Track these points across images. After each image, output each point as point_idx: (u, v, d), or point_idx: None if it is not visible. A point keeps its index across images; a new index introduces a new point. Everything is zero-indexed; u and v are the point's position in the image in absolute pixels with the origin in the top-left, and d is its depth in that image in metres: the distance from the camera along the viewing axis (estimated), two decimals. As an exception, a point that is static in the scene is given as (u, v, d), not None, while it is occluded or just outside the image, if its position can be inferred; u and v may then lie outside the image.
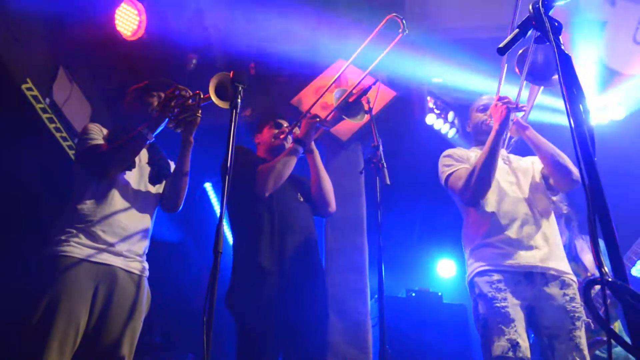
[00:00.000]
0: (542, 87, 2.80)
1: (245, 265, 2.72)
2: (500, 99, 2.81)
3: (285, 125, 3.17)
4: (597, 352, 3.42)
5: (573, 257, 3.67)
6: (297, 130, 3.07)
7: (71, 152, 4.46)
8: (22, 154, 4.14)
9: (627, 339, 0.99)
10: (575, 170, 2.76)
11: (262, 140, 3.20)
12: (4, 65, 3.72)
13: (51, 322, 2.15)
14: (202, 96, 2.54)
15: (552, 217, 2.85)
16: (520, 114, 2.89)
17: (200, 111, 2.59)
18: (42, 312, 2.17)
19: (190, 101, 2.57)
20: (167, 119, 2.55)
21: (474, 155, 2.93)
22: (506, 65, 2.80)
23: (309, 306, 2.70)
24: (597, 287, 3.21)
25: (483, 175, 2.70)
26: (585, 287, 1.04)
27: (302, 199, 3.00)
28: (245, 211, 2.85)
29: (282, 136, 3.09)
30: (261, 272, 2.65)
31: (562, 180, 2.80)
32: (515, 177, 2.90)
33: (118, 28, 4.05)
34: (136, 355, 2.49)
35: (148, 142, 2.53)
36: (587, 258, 3.70)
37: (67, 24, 4.15)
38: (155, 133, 2.53)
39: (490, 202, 2.78)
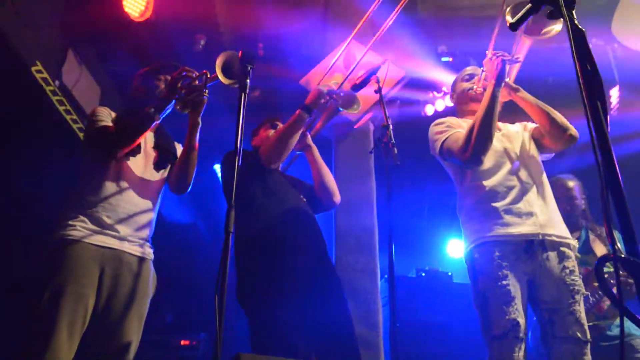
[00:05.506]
0: (531, 41, 2.74)
1: (255, 263, 2.67)
2: (494, 54, 2.74)
3: (280, 125, 3.14)
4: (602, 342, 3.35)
5: (587, 249, 3.63)
6: None
7: (82, 135, 4.47)
8: (33, 137, 4.16)
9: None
10: (572, 127, 2.73)
11: (258, 141, 3.15)
12: (14, 47, 3.73)
13: (59, 303, 2.18)
14: (208, 76, 2.54)
15: (546, 180, 2.79)
16: (515, 67, 2.84)
17: (207, 91, 2.58)
18: (50, 293, 2.20)
19: (197, 82, 2.57)
20: (174, 100, 2.54)
21: (465, 124, 2.85)
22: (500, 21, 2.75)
23: (326, 301, 2.64)
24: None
25: (483, 130, 2.61)
26: (598, 265, 1.03)
27: (305, 200, 2.98)
28: (252, 206, 2.79)
29: None
30: (273, 269, 2.61)
31: (559, 137, 2.75)
32: (508, 143, 2.84)
33: (126, 9, 4.03)
34: (148, 334, 2.52)
35: (154, 122, 2.54)
36: (599, 249, 3.65)
37: (75, 6, 4.14)
38: (162, 114, 2.54)
39: (485, 170, 2.72)
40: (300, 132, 2.85)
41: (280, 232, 2.71)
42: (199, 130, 2.67)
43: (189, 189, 2.75)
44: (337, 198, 3.06)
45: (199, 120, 2.66)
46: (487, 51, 2.80)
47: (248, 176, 2.79)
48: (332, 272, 2.81)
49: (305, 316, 2.59)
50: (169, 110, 2.57)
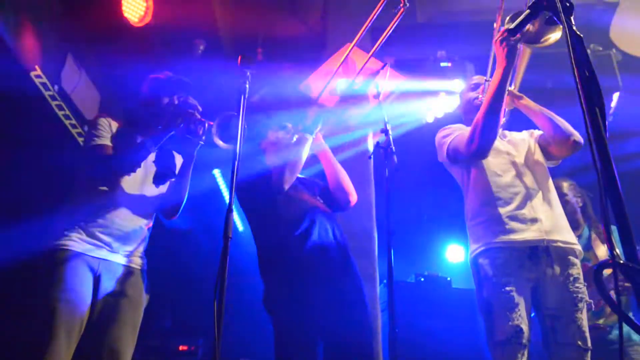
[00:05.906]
0: (531, 51, 2.73)
1: (278, 267, 2.66)
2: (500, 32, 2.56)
3: (289, 126, 3.13)
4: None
5: (588, 247, 3.64)
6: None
7: (80, 140, 4.47)
8: (31, 142, 4.16)
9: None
10: (576, 133, 2.73)
11: (266, 144, 3.13)
12: (13, 52, 3.73)
13: (57, 310, 2.21)
14: (206, 126, 2.60)
15: (552, 186, 2.80)
16: (519, 76, 2.84)
17: (203, 138, 2.63)
18: (47, 301, 2.23)
19: (197, 122, 2.61)
20: (172, 132, 2.59)
21: None
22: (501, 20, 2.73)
23: (345, 305, 2.63)
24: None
25: (490, 118, 2.55)
26: (597, 270, 1.03)
27: (321, 201, 2.97)
28: (267, 215, 2.77)
29: (287, 136, 3.04)
30: (295, 271, 2.60)
31: (563, 144, 2.76)
32: (513, 150, 2.85)
33: (125, 14, 4.04)
34: (147, 340, 2.52)
35: (150, 153, 2.58)
36: (600, 249, 3.66)
37: (74, 11, 4.15)
38: (157, 145, 2.58)
39: (490, 176, 2.73)
40: (307, 149, 2.83)
41: (296, 236, 2.68)
42: (192, 162, 2.73)
43: (177, 215, 2.77)
44: (354, 197, 3.03)
45: (194, 154, 2.72)
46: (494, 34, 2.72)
47: (264, 185, 2.75)
48: (352, 273, 2.77)
49: (322, 321, 2.57)
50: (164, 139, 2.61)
